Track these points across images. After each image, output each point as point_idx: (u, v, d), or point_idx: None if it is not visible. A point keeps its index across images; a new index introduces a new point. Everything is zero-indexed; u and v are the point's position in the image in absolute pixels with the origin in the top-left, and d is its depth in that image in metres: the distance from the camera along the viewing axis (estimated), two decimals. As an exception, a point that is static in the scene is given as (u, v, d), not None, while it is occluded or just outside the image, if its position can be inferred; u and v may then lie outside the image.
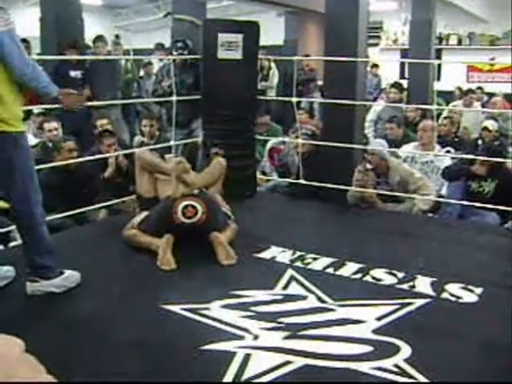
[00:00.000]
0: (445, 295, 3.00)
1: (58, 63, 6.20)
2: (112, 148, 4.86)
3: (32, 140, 4.96)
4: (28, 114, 5.77)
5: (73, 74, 6.23)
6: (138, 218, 3.63)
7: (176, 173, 3.55)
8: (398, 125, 6.12)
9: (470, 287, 3.08)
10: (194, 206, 3.41)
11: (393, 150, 5.10)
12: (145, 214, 3.65)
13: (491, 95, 9.47)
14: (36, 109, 5.82)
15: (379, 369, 2.28)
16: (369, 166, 4.63)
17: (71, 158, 4.44)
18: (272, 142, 5.55)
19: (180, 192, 3.49)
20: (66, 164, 4.36)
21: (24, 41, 6.84)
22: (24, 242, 2.94)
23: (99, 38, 6.66)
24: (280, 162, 5.52)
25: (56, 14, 6.34)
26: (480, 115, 7.55)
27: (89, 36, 6.95)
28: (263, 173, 5.67)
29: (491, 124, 6.23)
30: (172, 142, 4.92)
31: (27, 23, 8.01)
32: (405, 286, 3.10)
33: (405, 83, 9.20)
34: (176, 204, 3.41)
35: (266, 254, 3.56)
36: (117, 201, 4.55)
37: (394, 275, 3.24)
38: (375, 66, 9.33)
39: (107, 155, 4.74)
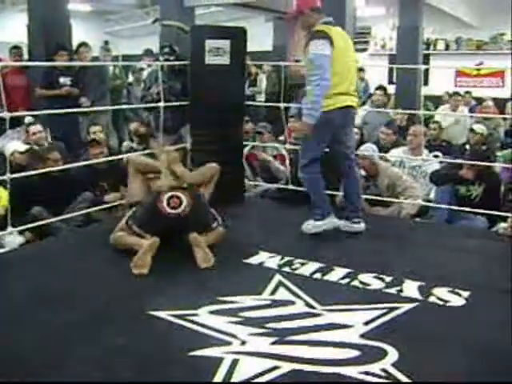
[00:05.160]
0: (432, 299, 3.01)
1: (47, 69, 6.19)
2: (100, 156, 4.90)
3: (21, 147, 4.95)
4: (18, 121, 5.76)
5: (62, 80, 6.21)
6: (124, 219, 3.64)
7: (167, 162, 3.73)
8: (394, 132, 6.09)
9: (458, 291, 3.10)
10: (178, 197, 3.48)
11: (382, 154, 5.12)
12: (132, 210, 3.67)
13: (479, 100, 9.55)
14: (27, 120, 5.82)
15: (367, 373, 2.28)
16: (362, 173, 4.67)
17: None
18: (247, 148, 5.54)
19: (169, 183, 3.61)
20: (52, 172, 4.39)
21: (16, 47, 6.86)
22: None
23: (82, 45, 6.64)
24: (261, 168, 5.55)
25: (43, 20, 6.32)
26: (468, 120, 7.59)
27: (78, 42, 6.92)
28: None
29: (478, 127, 6.28)
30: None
31: (15, 29, 7.97)
32: (392, 291, 3.11)
33: (393, 88, 9.26)
34: (162, 195, 3.50)
35: (254, 260, 3.56)
36: (100, 207, 4.60)
37: (382, 280, 3.25)
38: (360, 70, 9.34)
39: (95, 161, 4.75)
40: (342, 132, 4.00)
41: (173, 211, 3.46)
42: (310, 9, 3.90)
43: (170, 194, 3.49)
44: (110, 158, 4.90)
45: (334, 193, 4.67)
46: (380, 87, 7.29)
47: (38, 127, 5.50)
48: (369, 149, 4.85)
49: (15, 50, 6.89)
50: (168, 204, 3.46)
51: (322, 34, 3.79)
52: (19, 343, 2.48)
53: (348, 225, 4.12)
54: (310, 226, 4.06)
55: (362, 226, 4.12)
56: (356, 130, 6.24)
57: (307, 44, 3.84)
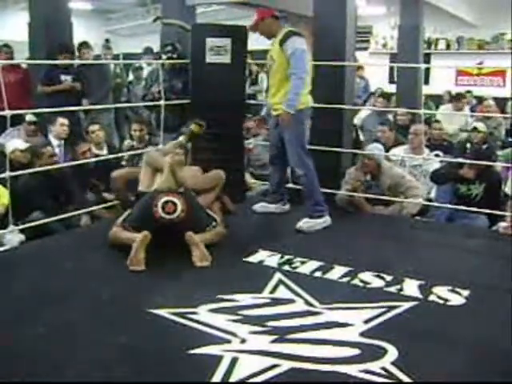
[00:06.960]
0: (432, 298, 3.01)
1: (48, 67, 6.18)
2: (86, 154, 4.98)
3: (22, 145, 4.94)
4: (19, 120, 5.76)
5: (63, 78, 6.21)
6: (121, 218, 3.65)
7: (170, 163, 3.72)
8: (390, 129, 6.09)
9: (458, 290, 3.10)
10: (174, 203, 3.48)
11: (384, 153, 5.10)
12: (128, 211, 3.68)
13: (479, 99, 9.54)
14: (28, 117, 5.82)
15: (366, 372, 2.28)
16: (368, 178, 4.66)
17: (51, 163, 4.50)
18: None
19: (166, 185, 3.60)
20: (49, 169, 4.41)
21: (6, 46, 6.88)
22: None
23: (83, 45, 6.63)
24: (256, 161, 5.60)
25: (44, 19, 6.31)
26: (469, 119, 7.59)
27: (79, 40, 6.92)
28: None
29: (481, 125, 6.27)
30: (161, 146, 4.91)
31: (16, 27, 7.94)
32: (392, 289, 3.11)
33: (394, 87, 9.25)
34: (158, 198, 3.49)
35: (254, 258, 3.56)
36: (100, 206, 4.61)
37: (382, 278, 3.25)
38: (360, 68, 9.31)
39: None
40: None
41: (166, 216, 3.46)
42: (271, 16, 4.19)
43: (165, 198, 3.48)
44: (110, 157, 4.91)
45: (334, 191, 4.69)
46: (382, 94, 7.16)
47: (64, 120, 5.60)
48: (375, 150, 4.80)
49: (6, 48, 6.93)
50: (163, 208, 3.46)
51: (299, 33, 4.09)
52: (19, 343, 2.48)
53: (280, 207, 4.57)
54: (312, 223, 4.15)
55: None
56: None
57: (284, 40, 4.03)
